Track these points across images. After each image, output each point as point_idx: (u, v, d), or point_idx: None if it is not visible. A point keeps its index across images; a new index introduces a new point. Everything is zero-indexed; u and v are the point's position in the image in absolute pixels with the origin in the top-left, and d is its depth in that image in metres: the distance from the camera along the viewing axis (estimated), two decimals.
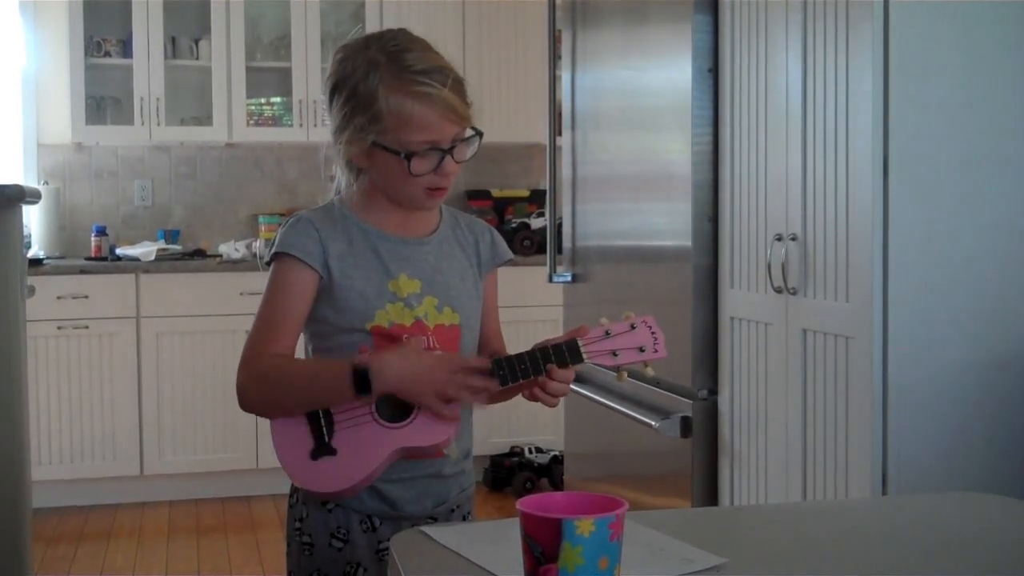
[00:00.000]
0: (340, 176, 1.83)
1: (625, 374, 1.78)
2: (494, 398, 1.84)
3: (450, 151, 1.76)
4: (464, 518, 1.91)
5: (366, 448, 1.71)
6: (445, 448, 1.79)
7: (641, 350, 1.75)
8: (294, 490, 1.86)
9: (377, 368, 1.69)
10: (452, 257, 1.86)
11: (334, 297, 1.78)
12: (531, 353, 1.74)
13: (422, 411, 1.73)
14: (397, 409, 1.73)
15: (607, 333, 1.75)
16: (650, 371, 1.78)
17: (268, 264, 1.82)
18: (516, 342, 1.84)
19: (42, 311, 4.70)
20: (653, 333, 1.77)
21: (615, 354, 1.75)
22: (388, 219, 1.83)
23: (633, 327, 1.76)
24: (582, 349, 1.74)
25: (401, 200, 1.82)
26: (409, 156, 1.74)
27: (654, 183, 3.09)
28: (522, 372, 1.73)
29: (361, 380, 1.68)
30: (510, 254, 1.96)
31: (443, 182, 1.78)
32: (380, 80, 1.73)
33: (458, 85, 1.76)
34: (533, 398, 1.80)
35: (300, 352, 1.83)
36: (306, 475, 1.73)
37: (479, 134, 1.81)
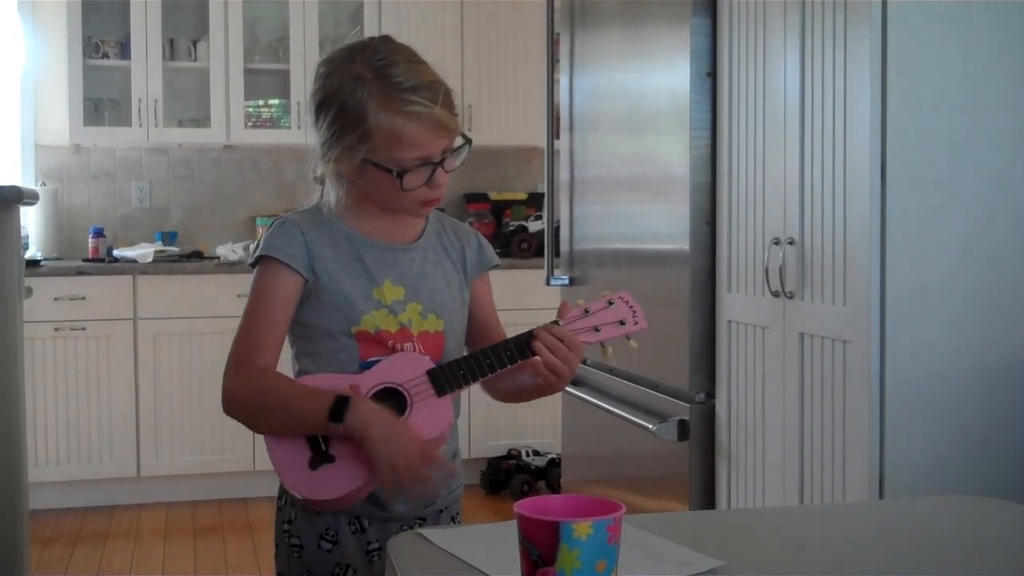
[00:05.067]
0: (328, 187, 1.82)
1: (610, 350, 1.80)
2: (507, 396, 1.86)
3: (441, 163, 1.76)
4: (453, 519, 1.91)
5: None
6: (440, 447, 1.79)
7: (622, 323, 1.78)
8: (282, 492, 1.86)
9: (358, 407, 1.68)
10: (437, 263, 1.86)
11: (320, 300, 1.77)
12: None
13: (415, 409, 1.73)
14: (389, 409, 1.73)
15: (586, 311, 1.78)
16: (633, 344, 1.80)
17: (253, 266, 1.81)
18: None
19: (39, 312, 4.69)
20: (631, 307, 1.79)
21: (597, 330, 1.77)
22: (374, 225, 1.82)
23: (611, 303, 1.79)
24: (563, 328, 1.75)
25: (393, 210, 1.81)
26: (401, 173, 1.73)
27: (652, 186, 3.09)
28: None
29: (338, 408, 1.68)
30: (496, 260, 1.96)
31: (436, 194, 1.78)
32: (369, 98, 1.71)
33: (447, 98, 1.74)
34: (531, 391, 1.81)
35: (286, 354, 1.82)
36: (308, 486, 1.73)
37: (468, 142, 1.79)
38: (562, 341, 1.73)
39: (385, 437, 1.68)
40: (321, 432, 1.70)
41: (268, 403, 1.74)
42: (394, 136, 1.71)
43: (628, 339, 1.79)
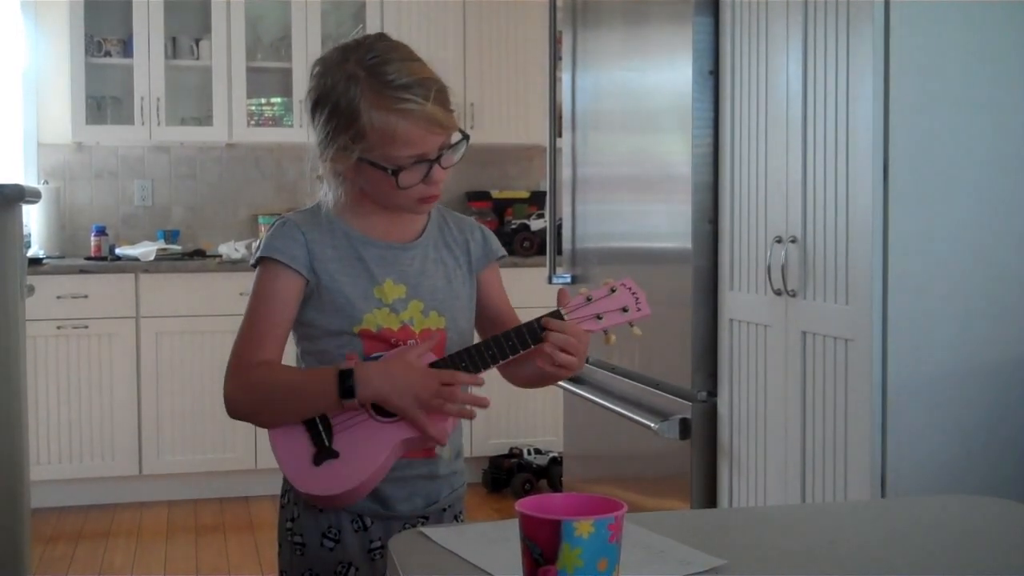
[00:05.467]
0: (327, 186, 1.81)
1: (613, 337, 1.79)
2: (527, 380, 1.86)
3: (437, 159, 1.75)
4: (455, 518, 1.91)
5: (368, 446, 1.71)
6: (439, 446, 1.79)
7: (624, 310, 1.77)
8: (285, 490, 1.86)
9: (362, 375, 1.69)
10: (439, 260, 1.86)
11: (322, 301, 1.77)
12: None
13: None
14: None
15: (588, 299, 1.77)
16: (636, 331, 1.78)
17: (254, 267, 1.81)
18: None
19: (42, 311, 4.70)
20: (634, 294, 1.78)
21: (599, 317, 1.76)
22: (374, 224, 1.82)
23: (613, 290, 1.78)
24: (565, 316, 1.75)
25: (392, 207, 1.81)
26: (396, 171, 1.73)
27: (654, 185, 3.09)
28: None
29: (345, 384, 1.68)
30: (502, 250, 1.95)
31: (433, 190, 1.78)
32: (361, 96, 1.70)
33: (441, 95, 1.73)
34: (548, 377, 1.80)
35: (289, 354, 1.82)
36: (312, 481, 1.73)
37: (466, 137, 1.79)
38: (567, 340, 1.72)
39: (398, 387, 1.69)
40: (334, 410, 1.70)
41: (271, 394, 1.74)
42: (387, 134, 1.71)
43: (631, 326, 1.78)
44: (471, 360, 1.75)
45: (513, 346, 1.74)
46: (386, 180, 1.74)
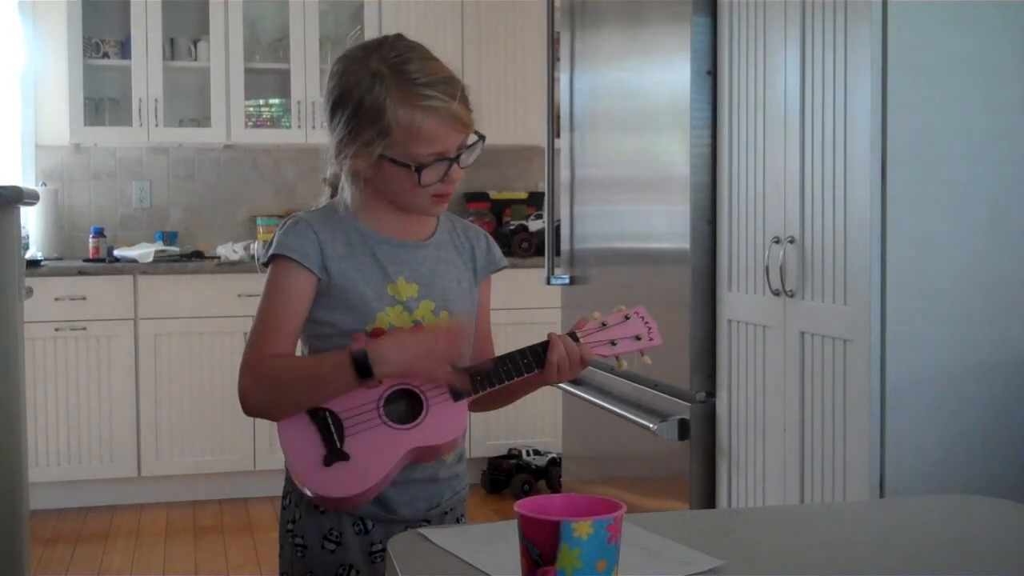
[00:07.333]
0: (344, 186, 1.82)
1: (624, 363, 1.83)
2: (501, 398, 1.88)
3: (456, 159, 1.77)
4: (457, 520, 1.91)
5: (380, 451, 1.72)
6: (448, 451, 1.80)
7: (637, 339, 1.82)
8: (287, 492, 1.86)
9: (376, 353, 1.68)
10: (449, 261, 1.87)
11: (334, 299, 1.77)
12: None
13: (430, 412, 1.74)
14: (406, 411, 1.74)
15: (603, 325, 1.81)
16: (647, 359, 1.83)
17: (265, 266, 1.81)
18: (513, 344, 1.84)
19: (40, 312, 4.69)
20: (646, 322, 1.83)
21: (613, 343, 1.80)
22: (387, 222, 1.83)
23: (627, 318, 1.82)
24: (581, 341, 1.78)
25: (407, 207, 1.82)
26: (420, 168, 1.74)
27: (652, 185, 3.09)
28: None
29: (361, 366, 1.68)
30: (505, 261, 1.98)
31: (449, 189, 1.80)
32: (387, 94, 1.72)
33: (463, 94, 1.76)
34: (517, 394, 1.87)
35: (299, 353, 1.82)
36: (321, 482, 1.73)
37: (482, 138, 1.81)
38: (571, 356, 1.76)
39: (416, 353, 1.69)
40: (351, 390, 1.70)
41: (285, 380, 1.73)
42: (412, 131, 1.72)
43: (642, 354, 1.82)
44: (485, 374, 1.76)
45: (528, 364, 1.77)
46: (407, 178, 1.75)
